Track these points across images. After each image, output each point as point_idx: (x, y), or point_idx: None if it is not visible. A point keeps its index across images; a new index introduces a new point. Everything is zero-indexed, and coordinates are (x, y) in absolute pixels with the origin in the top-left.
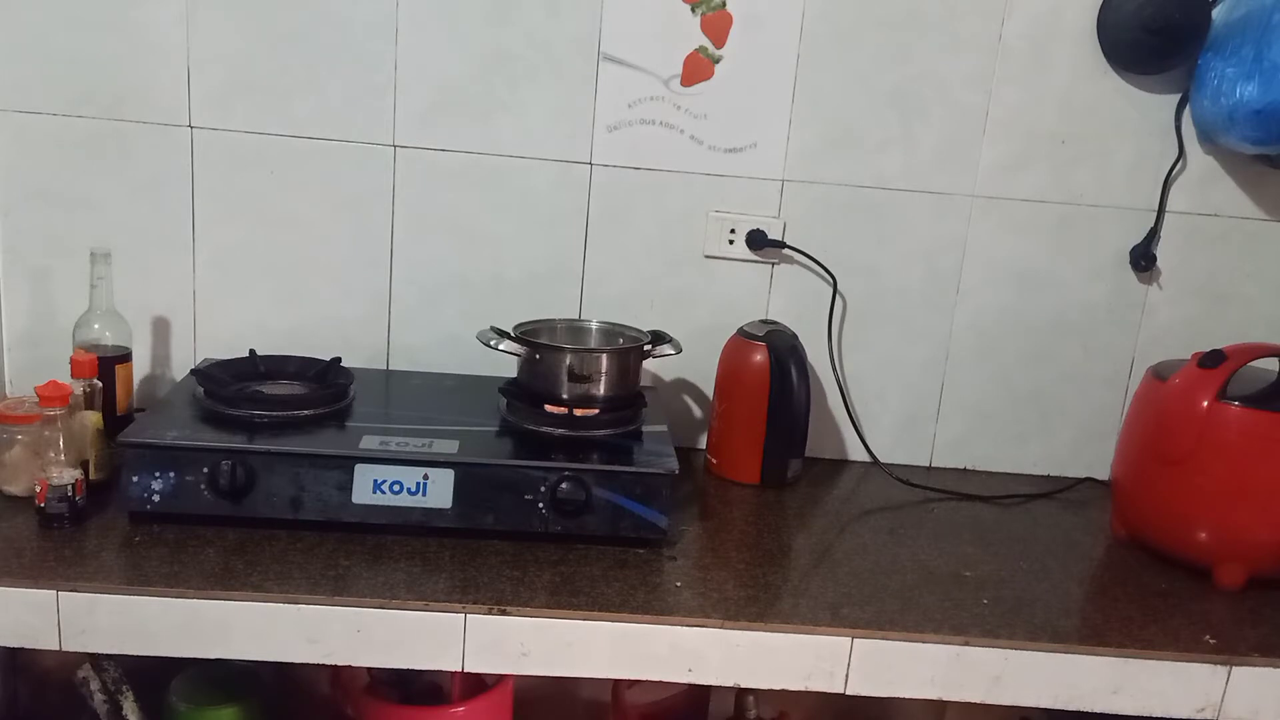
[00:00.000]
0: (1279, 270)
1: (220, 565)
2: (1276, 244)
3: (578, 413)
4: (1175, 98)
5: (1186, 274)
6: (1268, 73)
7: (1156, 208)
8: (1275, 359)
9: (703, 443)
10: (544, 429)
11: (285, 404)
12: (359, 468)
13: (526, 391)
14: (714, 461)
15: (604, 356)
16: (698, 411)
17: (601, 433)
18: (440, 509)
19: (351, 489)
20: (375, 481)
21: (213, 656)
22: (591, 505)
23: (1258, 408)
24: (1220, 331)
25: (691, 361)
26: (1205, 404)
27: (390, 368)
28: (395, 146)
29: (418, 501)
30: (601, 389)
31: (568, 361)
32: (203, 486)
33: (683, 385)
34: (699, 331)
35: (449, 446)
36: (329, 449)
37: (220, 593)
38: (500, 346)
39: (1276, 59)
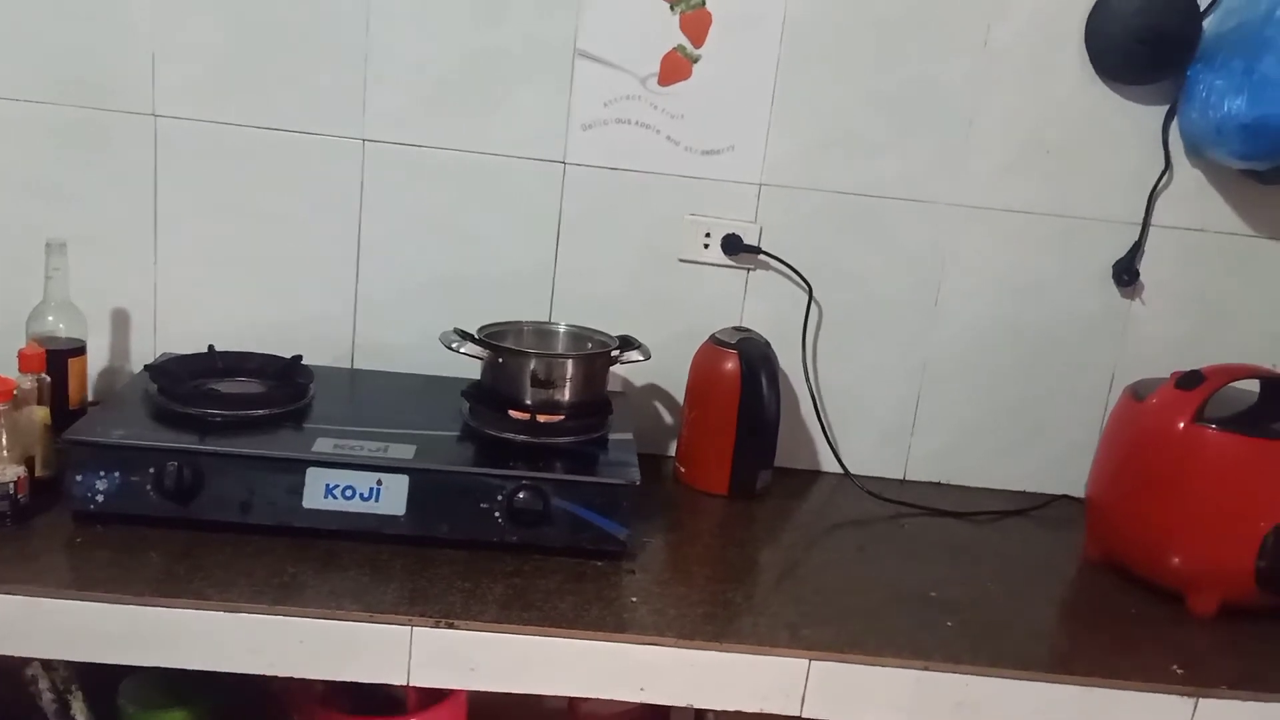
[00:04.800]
0: (1265, 287)
1: (163, 570)
2: (1263, 260)
3: (541, 419)
4: (1164, 109)
5: (1171, 289)
6: (1257, 86)
7: (1141, 221)
8: (1256, 380)
9: (673, 450)
10: (506, 435)
11: (239, 403)
12: (311, 471)
13: (489, 396)
14: (682, 470)
15: (569, 362)
16: (669, 418)
17: (565, 440)
18: (393, 516)
19: (303, 493)
20: (328, 486)
21: (152, 665)
22: (550, 515)
23: (1235, 431)
24: (1204, 349)
25: (664, 367)
26: (1181, 426)
27: (356, 367)
28: (364, 141)
29: (371, 507)
30: (566, 395)
31: (531, 366)
32: (149, 487)
33: (654, 391)
34: (672, 337)
35: (405, 451)
36: (280, 451)
37: (161, 599)
38: (462, 349)
39: (1267, 72)
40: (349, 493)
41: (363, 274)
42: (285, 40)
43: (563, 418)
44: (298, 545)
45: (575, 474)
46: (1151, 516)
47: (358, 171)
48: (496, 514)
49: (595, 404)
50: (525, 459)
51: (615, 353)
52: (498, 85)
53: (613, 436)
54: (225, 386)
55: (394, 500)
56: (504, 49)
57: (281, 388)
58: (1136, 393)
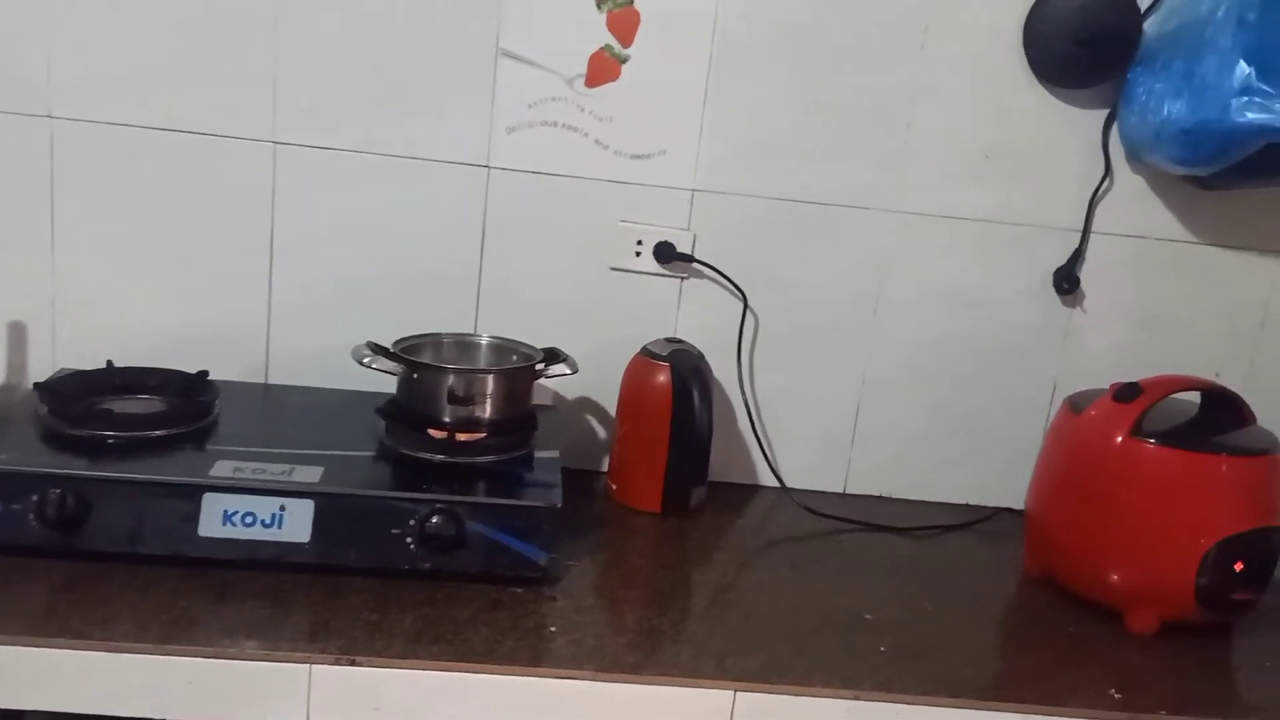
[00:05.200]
0: (1207, 294)
1: (45, 605)
2: (1205, 267)
3: (460, 437)
4: (1104, 113)
5: (1112, 297)
6: (1197, 90)
7: (1081, 228)
8: (1196, 391)
9: (606, 466)
10: (422, 455)
11: (135, 423)
12: (207, 497)
13: (406, 413)
14: (614, 487)
15: (489, 377)
16: (601, 432)
17: (486, 459)
18: (297, 543)
19: (198, 520)
20: (225, 512)
21: (31, 709)
22: (465, 540)
23: (1173, 445)
24: (1147, 358)
25: (595, 379)
26: (1119, 440)
27: (269, 381)
28: (275, 143)
29: (272, 535)
30: (487, 411)
31: (449, 382)
32: (31, 516)
33: (586, 404)
34: (603, 347)
35: (311, 474)
36: (173, 476)
37: (40, 638)
38: (374, 365)
39: (1207, 76)
40: (249, 519)
41: (276, 285)
42: (190, 37)
43: (483, 436)
44: (192, 576)
45: (493, 496)
46: (1089, 532)
47: (269, 177)
48: (408, 539)
49: (518, 420)
50: (442, 480)
51: (540, 366)
52: (416, 85)
53: (538, 454)
54: (122, 405)
55: (298, 527)
56: (422, 47)
57: (183, 406)
58: (1075, 405)
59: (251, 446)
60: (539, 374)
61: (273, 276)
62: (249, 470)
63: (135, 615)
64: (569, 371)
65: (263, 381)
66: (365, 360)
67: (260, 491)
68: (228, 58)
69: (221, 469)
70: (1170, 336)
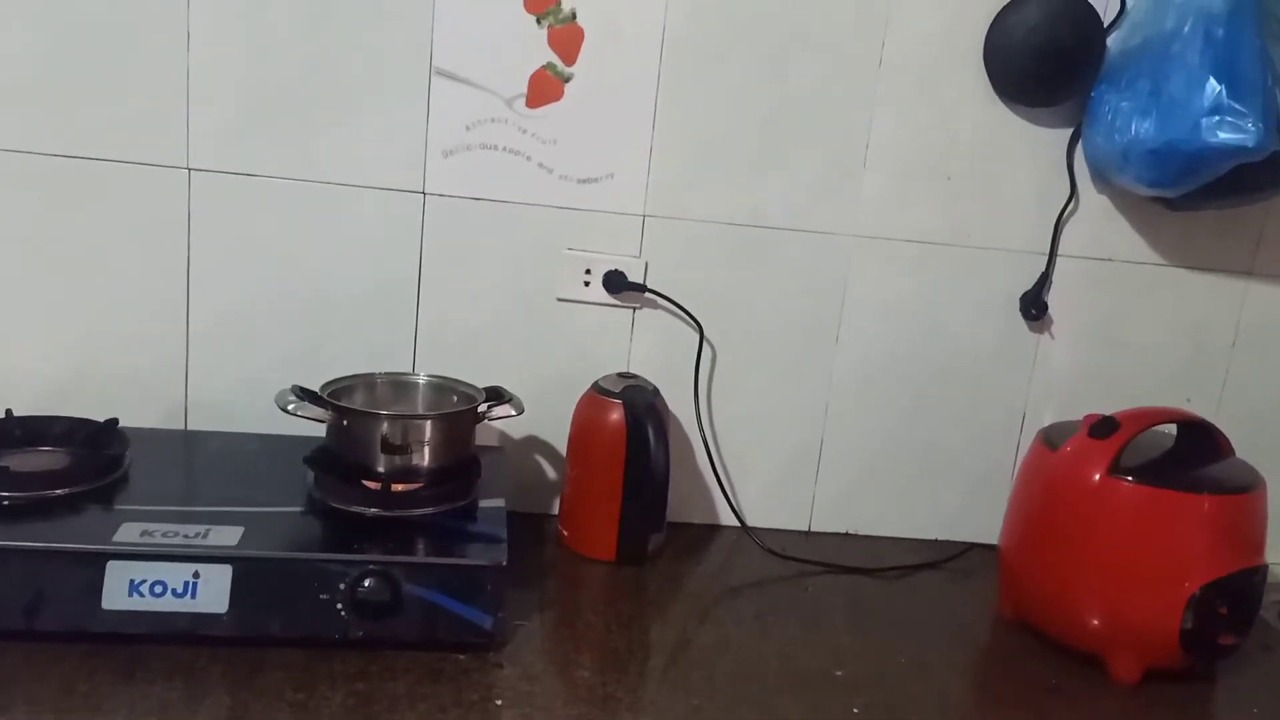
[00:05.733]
0: (1176, 317)
1: None
2: (1173, 289)
3: (396, 488)
4: (1068, 132)
5: (1080, 321)
6: (1165, 109)
7: (1048, 251)
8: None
9: (557, 508)
10: (354, 508)
11: (33, 482)
12: (112, 565)
13: (336, 462)
14: (565, 534)
15: (427, 424)
16: (551, 473)
17: (424, 511)
18: (214, 614)
19: (102, 591)
20: (132, 582)
21: None
22: (401, 605)
23: (1152, 484)
24: (1116, 382)
25: (544, 417)
26: (1096, 478)
27: (189, 427)
28: (190, 170)
29: (186, 605)
30: (425, 459)
31: (382, 429)
32: None
33: (533, 444)
34: (552, 383)
35: (230, 535)
36: (74, 542)
37: None
38: (300, 412)
39: (1175, 94)
40: (158, 589)
41: (194, 322)
42: (90, 54)
43: (421, 485)
44: (96, 654)
45: (432, 555)
46: (1067, 575)
47: (183, 206)
48: (339, 605)
49: (460, 468)
50: (376, 537)
51: (483, 408)
52: (344, 106)
53: (482, 504)
54: (20, 460)
55: (214, 596)
56: (348, 65)
57: (88, 460)
58: (1049, 440)
59: (164, 504)
60: (481, 417)
61: (190, 313)
62: (159, 533)
63: (31, 700)
64: (514, 413)
65: (181, 427)
66: (290, 407)
67: (171, 557)
68: (133, 76)
69: (128, 533)
70: (1140, 360)
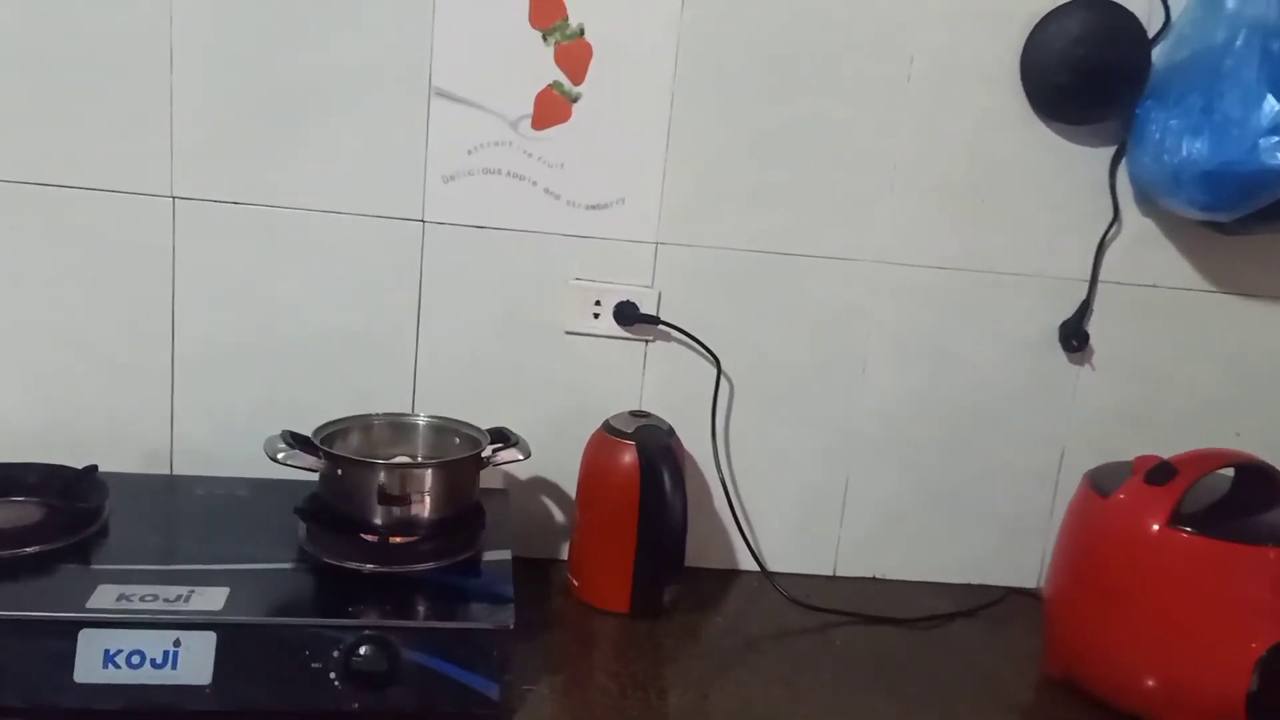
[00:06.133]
0: (1224, 347)
1: None
2: (1223, 318)
3: (394, 540)
4: (1110, 151)
5: (1122, 353)
6: (1219, 128)
7: (1089, 278)
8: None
9: (566, 553)
10: (349, 564)
11: (2, 539)
12: (85, 634)
13: (330, 513)
14: (576, 584)
15: (427, 473)
16: (560, 516)
17: (424, 567)
18: (196, 686)
19: (74, 663)
20: (106, 653)
21: None
22: (399, 673)
23: (1215, 536)
24: (1160, 417)
25: (551, 458)
26: (1155, 529)
27: (174, 472)
28: (174, 198)
29: (166, 677)
30: (426, 510)
31: (379, 479)
32: None
33: (541, 486)
34: (560, 421)
35: (214, 598)
36: (43, 609)
37: None
38: (291, 461)
39: (1230, 112)
40: (136, 659)
41: (180, 359)
42: (68, 78)
43: (422, 538)
44: None
45: (433, 618)
46: (1121, 632)
47: (168, 236)
48: (332, 675)
49: (463, 518)
50: (373, 597)
51: (487, 453)
52: (336, 131)
53: (487, 556)
54: None
55: (197, 666)
56: (344, 86)
57: (63, 514)
58: (1098, 485)
59: (143, 563)
60: (486, 462)
61: (175, 350)
62: (137, 597)
63: None
64: (521, 457)
65: (166, 472)
66: (280, 456)
67: (149, 625)
68: (112, 99)
69: (103, 597)
70: (1186, 393)
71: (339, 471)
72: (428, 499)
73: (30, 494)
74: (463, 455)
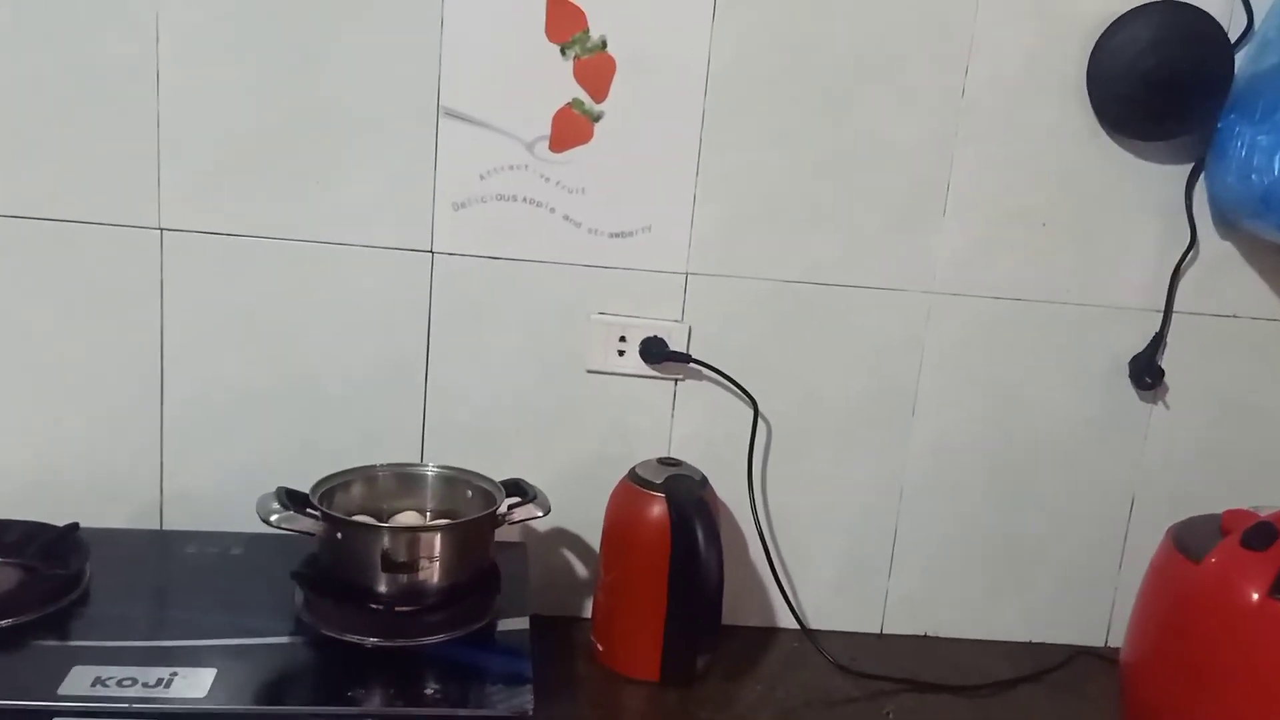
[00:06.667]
0: None
1: None
2: None
3: (400, 609)
4: (1186, 169)
5: (1199, 389)
6: None
7: (1163, 307)
8: None
9: (589, 611)
10: (350, 637)
11: None
12: None
13: (329, 580)
14: (600, 649)
15: (436, 537)
16: (582, 571)
17: (433, 640)
18: None
19: None
20: None
21: None
22: None
23: None
24: (1243, 463)
25: (574, 506)
26: (1255, 599)
27: (165, 524)
28: (161, 230)
29: None
30: (434, 576)
31: (383, 544)
32: None
33: (562, 537)
34: (582, 468)
35: (198, 681)
36: (10, 695)
37: None
38: (284, 524)
39: None
40: None
41: (170, 404)
42: (47, 97)
43: (430, 607)
44: None
45: (443, 704)
46: (1214, 710)
47: (155, 271)
48: None
49: (475, 583)
50: (377, 677)
51: (502, 510)
52: (340, 155)
53: (502, 625)
54: None
55: None
56: (344, 107)
57: (37, 583)
58: (1185, 546)
59: (124, 638)
60: (500, 521)
61: (165, 394)
62: (114, 681)
63: None
64: (539, 514)
65: (156, 527)
66: (274, 518)
67: (126, 714)
68: (95, 124)
69: (77, 681)
70: (1270, 434)
71: (338, 535)
72: (437, 565)
73: (7, 554)
74: (475, 515)
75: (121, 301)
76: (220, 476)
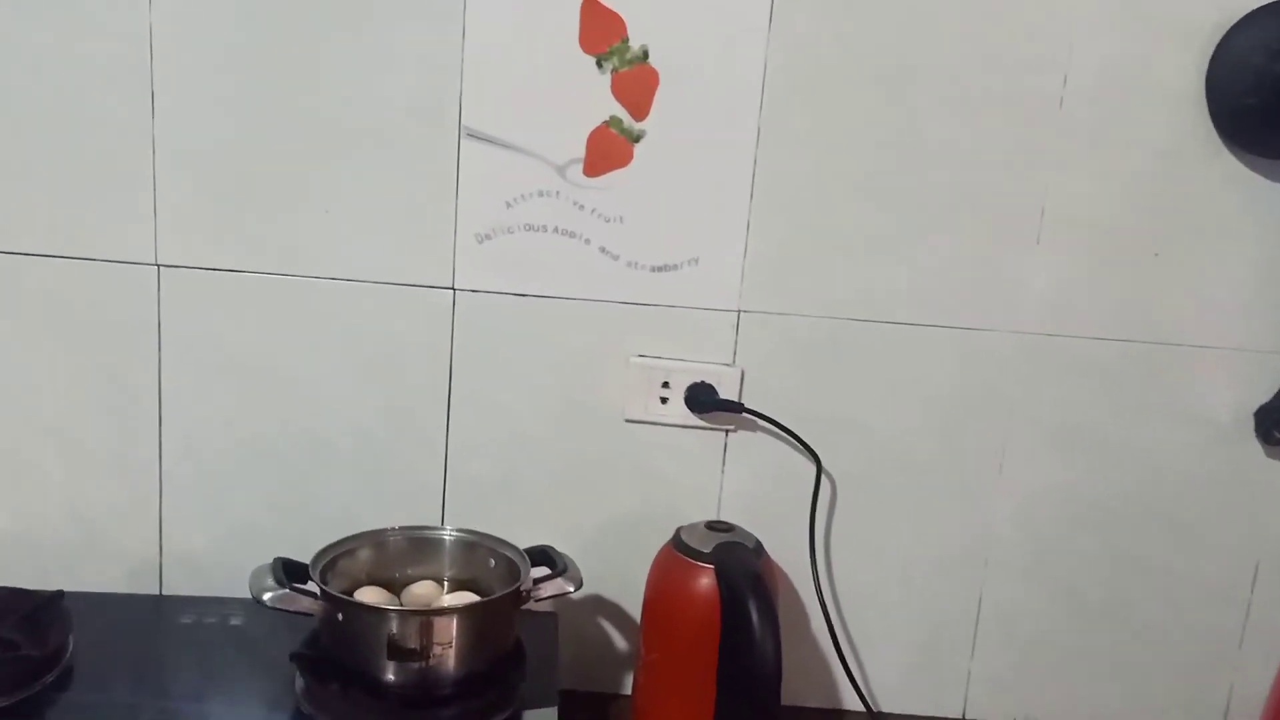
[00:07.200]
0: None
1: None
2: None
3: (410, 699)
4: None
5: None
6: None
7: None
8: None
9: (629, 687)
10: None
11: None
12: None
13: (331, 664)
14: None
15: (451, 621)
16: (621, 643)
17: None
18: None
19: None
20: None
21: None
22: None
23: None
24: None
25: (611, 571)
26: None
27: (163, 591)
28: (158, 266)
29: None
30: (450, 664)
31: (390, 628)
32: None
33: (598, 606)
34: (620, 530)
35: None
36: None
37: None
38: (279, 604)
39: None
40: None
41: (169, 455)
42: (34, 123)
43: (444, 698)
44: None
45: None
46: None
47: (152, 310)
48: None
49: (496, 670)
50: None
51: (527, 588)
52: (351, 181)
53: (529, 716)
54: None
55: None
56: (355, 129)
57: (12, 664)
58: None
59: None
60: (526, 598)
61: (163, 444)
62: None
63: None
64: (570, 589)
65: (150, 589)
66: (268, 598)
67: None
68: (85, 153)
69: None
70: None
71: (339, 616)
72: (452, 651)
73: None
74: (495, 595)
75: (116, 343)
76: (221, 533)
